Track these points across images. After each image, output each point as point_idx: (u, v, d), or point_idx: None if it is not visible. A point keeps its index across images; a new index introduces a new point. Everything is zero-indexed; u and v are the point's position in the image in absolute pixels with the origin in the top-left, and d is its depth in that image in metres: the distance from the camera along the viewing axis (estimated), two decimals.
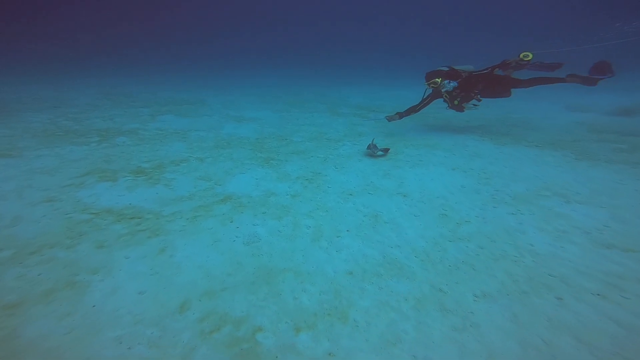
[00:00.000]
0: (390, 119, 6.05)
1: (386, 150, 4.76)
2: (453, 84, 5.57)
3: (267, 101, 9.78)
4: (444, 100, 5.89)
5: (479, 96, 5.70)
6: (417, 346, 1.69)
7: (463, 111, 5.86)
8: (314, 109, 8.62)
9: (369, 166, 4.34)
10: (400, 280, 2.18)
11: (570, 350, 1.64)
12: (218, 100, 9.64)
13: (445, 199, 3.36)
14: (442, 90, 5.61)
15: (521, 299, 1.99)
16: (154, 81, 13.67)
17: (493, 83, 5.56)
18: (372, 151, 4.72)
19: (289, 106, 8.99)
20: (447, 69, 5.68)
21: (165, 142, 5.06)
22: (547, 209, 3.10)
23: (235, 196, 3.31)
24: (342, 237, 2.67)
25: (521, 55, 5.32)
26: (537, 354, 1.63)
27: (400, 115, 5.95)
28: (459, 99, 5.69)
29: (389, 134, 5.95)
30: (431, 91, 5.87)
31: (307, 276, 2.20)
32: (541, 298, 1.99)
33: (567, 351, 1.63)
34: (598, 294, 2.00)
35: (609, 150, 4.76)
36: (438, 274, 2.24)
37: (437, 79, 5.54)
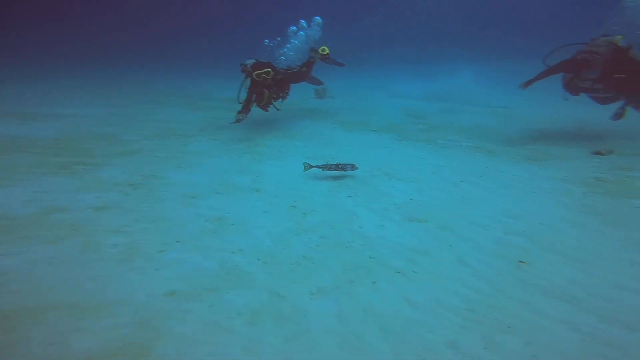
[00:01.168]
0: (238, 120, 4.84)
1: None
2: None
3: (101, 94, 7.68)
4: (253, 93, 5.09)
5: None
6: None
7: (267, 110, 5.26)
8: (166, 103, 7.23)
9: (224, 162, 3.81)
10: (238, 291, 1.83)
11: (376, 343, 1.54)
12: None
13: (296, 189, 3.19)
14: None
15: (348, 290, 1.90)
16: None
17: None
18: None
19: (131, 100, 7.27)
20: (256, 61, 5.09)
21: None
22: (375, 188, 3.28)
23: None
24: (167, 251, 2.12)
25: (320, 50, 5.63)
26: (352, 353, 1.49)
27: (242, 113, 4.92)
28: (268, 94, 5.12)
29: (254, 125, 5.51)
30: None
31: (93, 310, 1.61)
32: (362, 285, 1.94)
33: (374, 344, 1.54)
34: (399, 272, 2.05)
35: (418, 131, 5.64)
36: (280, 276, 1.98)
37: (268, 69, 4.94)
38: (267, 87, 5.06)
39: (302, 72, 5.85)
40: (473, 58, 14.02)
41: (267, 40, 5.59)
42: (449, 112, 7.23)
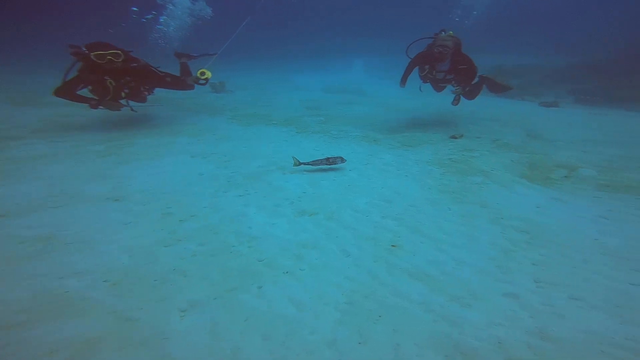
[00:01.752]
0: (94, 106, 3.95)
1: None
2: None
3: None
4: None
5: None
6: None
7: (116, 109, 4.29)
8: None
9: (71, 168, 3.04)
10: (57, 323, 1.44)
11: (256, 355, 1.40)
12: None
13: (174, 193, 2.76)
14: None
15: (228, 300, 1.69)
16: None
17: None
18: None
19: None
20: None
21: None
22: (269, 184, 3.11)
23: None
24: None
25: (198, 73, 4.69)
26: None
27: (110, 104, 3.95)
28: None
29: (126, 122, 4.60)
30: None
31: None
32: (247, 292, 1.76)
33: (253, 357, 1.39)
34: (286, 272, 1.95)
35: (315, 123, 5.69)
36: (135, 297, 1.63)
37: (117, 51, 3.90)
38: (113, 77, 3.85)
39: (167, 81, 4.66)
40: (365, 51, 15.04)
41: (134, 8, 4.58)
42: (344, 104, 7.53)
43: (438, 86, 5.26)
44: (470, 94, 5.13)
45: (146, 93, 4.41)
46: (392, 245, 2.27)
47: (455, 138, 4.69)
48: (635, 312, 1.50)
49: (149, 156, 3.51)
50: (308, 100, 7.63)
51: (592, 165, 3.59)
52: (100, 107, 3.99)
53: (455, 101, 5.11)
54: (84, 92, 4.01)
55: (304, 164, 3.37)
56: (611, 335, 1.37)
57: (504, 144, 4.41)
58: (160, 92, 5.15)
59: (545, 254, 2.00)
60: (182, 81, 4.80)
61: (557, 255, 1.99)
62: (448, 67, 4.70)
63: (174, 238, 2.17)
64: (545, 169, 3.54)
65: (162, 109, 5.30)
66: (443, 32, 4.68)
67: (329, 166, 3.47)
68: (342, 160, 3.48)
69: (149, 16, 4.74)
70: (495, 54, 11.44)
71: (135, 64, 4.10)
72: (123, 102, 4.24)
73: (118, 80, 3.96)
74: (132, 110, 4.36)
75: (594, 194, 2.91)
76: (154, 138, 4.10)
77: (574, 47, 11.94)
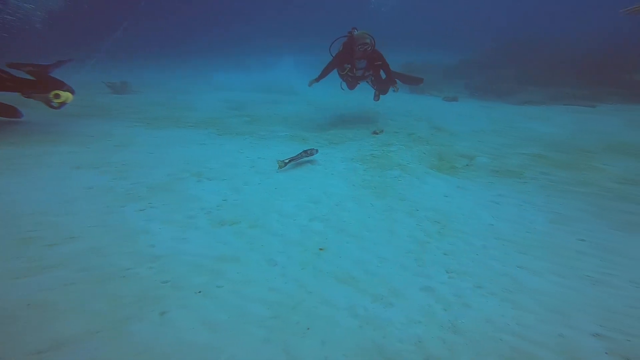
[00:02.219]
0: None
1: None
2: None
3: None
4: None
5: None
6: None
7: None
8: None
9: None
10: None
11: None
12: None
13: (43, 214, 2.19)
14: None
15: (115, 332, 1.36)
16: None
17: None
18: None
19: None
20: None
21: None
22: (179, 194, 2.70)
23: None
24: None
25: (52, 95, 3.73)
26: None
27: None
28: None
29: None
30: None
31: None
32: (144, 321, 1.44)
33: None
34: (199, 292, 1.68)
35: (240, 124, 5.30)
36: None
37: None
38: None
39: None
40: (295, 49, 14.78)
41: None
42: (272, 103, 7.24)
43: (353, 84, 5.37)
44: (384, 89, 5.36)
45: None
46: (320, 249, 2.17)
47: (377, 134, 4.86)
48: (522, 295, 1.65)
49: (11, 171, 2.76)
50: (232, 101, 7.10)
51: (486, 153, 4.09)
52: None
53: (376, 97, 5.30)
54: None
55: (287, 161, 3.40)
56: (506, 322, 1.49)
57: (418, 137, 4.74)
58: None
59: (454, 243, 2.14)
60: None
61: (462, 243, 2.14)
62: (365, 64, 4.81)
63: (37, 266, 1.71)
64: (451, 159, 3.90)
65: (35, 114, 4.22)
66: (355, 30, 4.76)
67: (308, 158, 3.57)
68: (316, 151, 3.64)
69: None
70: (405, 52, 12.42)
71: None
72: None
73: None
74: None
75: (488, 180, 3.29)
76: (20, 148, 3.26)
77: (465, 46, 13.67)
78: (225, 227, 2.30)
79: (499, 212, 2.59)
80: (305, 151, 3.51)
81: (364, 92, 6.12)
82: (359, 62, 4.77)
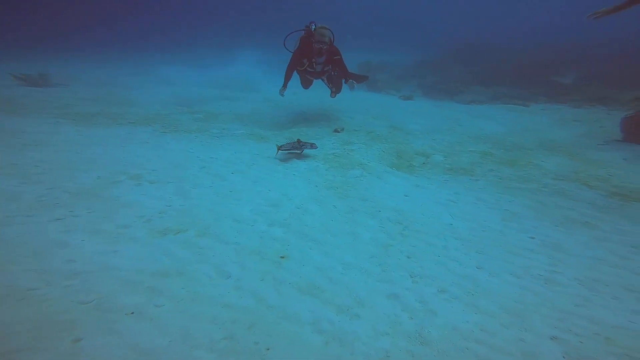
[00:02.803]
0: None
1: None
2: None
3: None
4: None
5: None
6: None
7: None
8: None
9: None
10: None
11: None
12: None
13: None
14: None
15: None
16: None
17: None
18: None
19: None
20: None
21: None
22: (113, 200, 2.32)
23: None
24: None
25: None
26: None
27: None
28: None
29: None
30: None
31: None
32: (40, 352, 1.18)
33: None
34: (131, 313, 1.44)
35: (191, 121, 4.85)
36: None
37: None
38: None
39: None
40: (255, 45, 14.11)
41: None
42: (227, 100, 6.77)
43: (310, 81, 5.22)
44: (339, 85, 5.29)
45: None
46: (281, 257, 2.00)
47: (338, 132, 4.78)
48: (482, 298, 1.66)
49: None
50: (182, 96, 6.50)
51: (440, 151, 4.23)
52: None
53: (333, 94, 5.20)
54: None
55: (280, 149, 3.42)
56: (471, 329, 1.47)
57: (377, 135, 4.76)
58: None
59: (416, 245, 2.11)
60: None
61: (424, 245, 2.12)
62: (324, 58, 4.68)
63: None
64: (409, 157, 3.95)
65: None
66: (313, 25, 4.60)
67: (298, 151, 3.51)
68: (313, 146, 3.60)
69: None
70: (363, 51, 12.61)
71: None
72: None
73: None
74: None
75: (444, 178, 3.38)
76: None
77: (418, 47, 14.34)
78: (169, 237, 2.02)
79: (456, 210, 2.64)
80: (298, 140, 3.56)
81: (324, 90, 6.00)
82: (318, 57, 4.62)
